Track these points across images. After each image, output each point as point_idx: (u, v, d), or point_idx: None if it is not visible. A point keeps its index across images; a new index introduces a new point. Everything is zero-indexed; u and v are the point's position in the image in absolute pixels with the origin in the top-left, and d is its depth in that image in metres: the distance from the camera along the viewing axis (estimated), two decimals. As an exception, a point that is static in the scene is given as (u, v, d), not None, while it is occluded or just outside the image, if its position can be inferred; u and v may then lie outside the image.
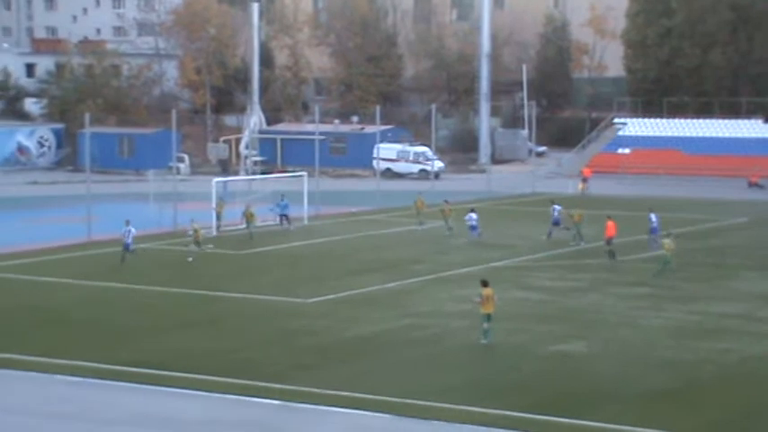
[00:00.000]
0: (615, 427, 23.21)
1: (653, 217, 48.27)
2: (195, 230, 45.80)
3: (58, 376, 27.06)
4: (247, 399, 25.23)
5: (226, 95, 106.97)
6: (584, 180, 74.13)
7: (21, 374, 27.38)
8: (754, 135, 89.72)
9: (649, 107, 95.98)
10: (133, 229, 44.34)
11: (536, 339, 31.08)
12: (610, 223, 44.94)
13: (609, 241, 44.66)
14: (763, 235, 53.35)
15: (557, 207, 50.76)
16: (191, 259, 44.62)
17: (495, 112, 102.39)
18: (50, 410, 24.59)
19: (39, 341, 30.61)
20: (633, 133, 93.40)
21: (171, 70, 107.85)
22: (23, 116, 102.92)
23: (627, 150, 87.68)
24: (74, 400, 25.45)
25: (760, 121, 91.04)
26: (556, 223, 50.44)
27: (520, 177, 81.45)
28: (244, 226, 52.10)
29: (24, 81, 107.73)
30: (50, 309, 35.40)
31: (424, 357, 29.22)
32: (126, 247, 43.80)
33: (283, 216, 54.28)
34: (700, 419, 23.97)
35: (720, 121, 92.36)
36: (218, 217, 52.93)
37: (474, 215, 50.83)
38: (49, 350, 29.29)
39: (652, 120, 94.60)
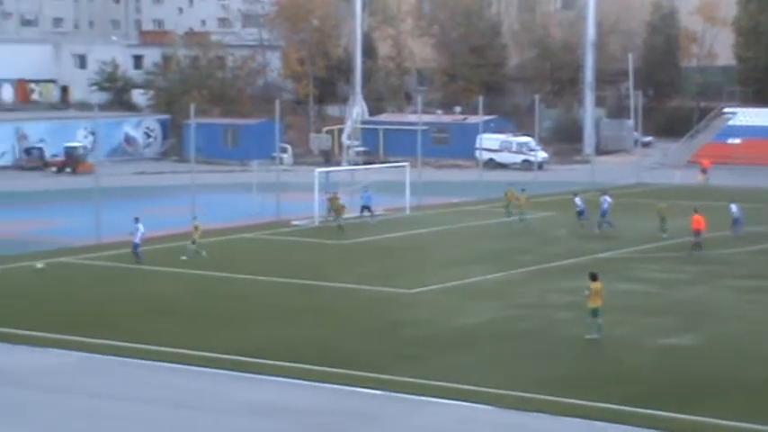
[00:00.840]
0: (718, 421, 22.77)
1: (734, 208, 48.00)
2: (196, 227, 43.56)
3: (165, 364, 27.37)
4: (349, 388, 25.24)
5: (328, 86, 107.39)
6: (704, 171, 72.98)
7: (129, 361, 27.74)
8: None
9: (761, 96, 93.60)
10: (142, 227, 42.28)
11: (641, 332, 30.61)
12: (696, 217, 43.76)
13: (697, 234, 43.43)
14: None
15: (607, 198, 50.54)
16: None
17: (599, 102, 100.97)
18: (160, 396, 24.84)
19: (145, 329, 30.99)
20: (743, 123, 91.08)
21: (274, 61, 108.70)
22: (131, 107, 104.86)
23: (737, 140, 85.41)
24: (181, 387, 25.71)
25: None
26: (603, 215, 50.13)
27: (625, 168, 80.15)
28: (331, 218, 51.77)
29: (132, 73, 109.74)
30: (156, 297, 35.86)
31: (528, 349, 28.99)
32: (135, 248, 41.86)
33: (365, 207, 53.64)
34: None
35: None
36: (332, 208, 51.69)
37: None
38: (156, 338, 29.63)
39: (763, 109, 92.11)
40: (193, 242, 43.14)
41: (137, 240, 42.10)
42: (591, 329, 29.38)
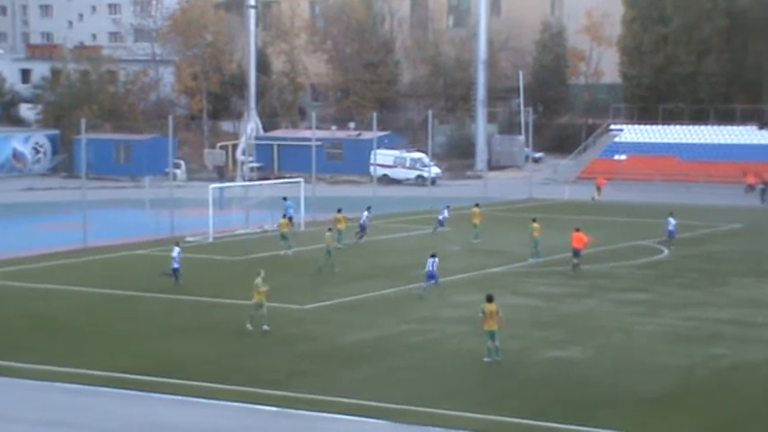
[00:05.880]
0: None
1: (672, 221, 50.50)
2: None
3: (56, 384, 27.04)
4: (244, 405, 25.17)
5: (222, 101, 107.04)
6: (599, 188, 74.45)
7: (18, 382, 27.33)
8: (748, 141, 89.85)
9: (645, 114, 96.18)
10: (177, 249, 40.48)
11: (532, 345, 31.13)
12: (576, 234, 44.53)
13: (576, 252, 44.06)
14: (757, 241, 53.45)
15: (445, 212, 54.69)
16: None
17: (491, 118, 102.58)
18: (49, 419, 24.55)
19: (35, 348, 30.57)
20: (629, 140, 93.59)
21: (167, 76, 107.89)
22: (19, 122, 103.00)
23: (623, 157, 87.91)
24: (71, 408, 25.41)
25: (754, 128, 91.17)
26: (362, 227, 52.26)
27: (516, 183, 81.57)
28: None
29: (19, 87, 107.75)
30: (47, 316, 35.35)
31: (423, 363, 29.26)
32: (176, 270, 40.23)
33: (290, 218, 53.64)
34: (692, 425, 24.05)
35: (715, 127, 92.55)
36: (284, 237, 48.60)
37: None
38: (46, 358, 29.26)
39: (648, 126, 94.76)
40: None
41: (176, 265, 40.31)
42: (488, 353, 28.98)
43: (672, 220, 50.91)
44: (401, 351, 30.60)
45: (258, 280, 33.08)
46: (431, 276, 38.79)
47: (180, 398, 25.82)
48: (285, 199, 55.50)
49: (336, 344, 31.40)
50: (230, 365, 28.79)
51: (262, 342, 31.59)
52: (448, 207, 56.86)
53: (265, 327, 32.53)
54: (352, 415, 24.47)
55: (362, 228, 52.71)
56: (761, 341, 31.97)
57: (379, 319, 34.79)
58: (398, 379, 27.68)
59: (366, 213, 53.19)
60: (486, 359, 29.01)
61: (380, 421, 24.10)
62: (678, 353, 30.30)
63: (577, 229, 44.99)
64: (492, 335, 28.99)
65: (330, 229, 46.18)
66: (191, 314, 35.79)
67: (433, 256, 39.20)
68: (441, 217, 55.56)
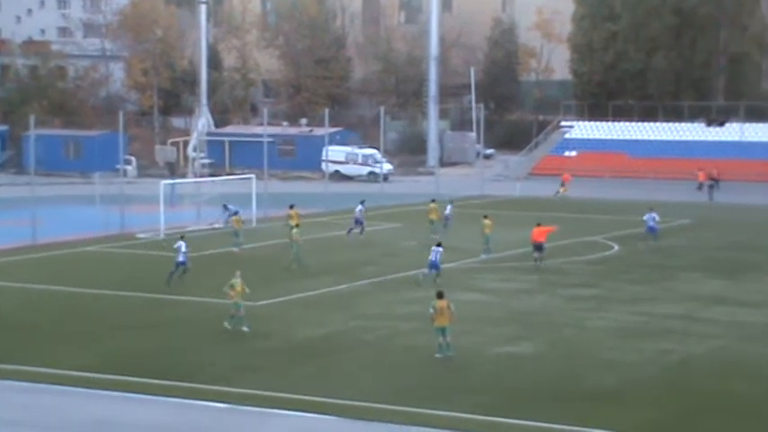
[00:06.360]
0: (558, 426, 23.39)
1: (655, 216, 50.04)
2: None
3: (3, 381, 26.74)
4: (192, 402, 25.06)
5: (173, 97, 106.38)
6: (563, 184, 74.58)
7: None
8: (696, 138, 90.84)
9: (595, 110, 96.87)
10: (183, 244, 40.12)
11: (483, 341, 31.19)
12: (537, 229, 44.63)
13: (538, 246, 44.02)
14: (705, 236, 54.05)
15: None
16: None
17: (443, 114, 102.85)
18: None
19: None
20: (579, 136, 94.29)
21: (117, 72, 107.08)
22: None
23: (573, 153, 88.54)
24: (16, 406, 25.14)
25: (702, 125, 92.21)
26: (358, 222, 51.74)
27: (468, 180, 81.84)
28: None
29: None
30: (-5, 313, 34.99)
31: (373, 359, 29.26)
32: (182, 264, 39.81)
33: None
34: (640, 419, 24.22)
35: (664, 124, 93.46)
36: (236, 233, 48.47)
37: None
38: (-6, 354, 28.95)
39: (597, 123, 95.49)
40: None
41: (181, 259, 39.85)
42: (440, 349, 28.98)
43: (653, 216, 50.26)
44: (352, 347, 30.58)
45: (235, 280, 32.78)
46: (433, 265, 39.20)
47: (128, 395, 25.66)
48: (226, 207, 54.54)
49: (287, 340, 31.30)
50: (180, 362, 28.64)
51: (213, 339, 31.43)
52: (451, 203, 55.53)
53: (245, 327, 32.15)
54: (301, 411, 24.39)
55: (357, 222, 52.25)
56: (709, 336, 32.25)
57: (330, 316, 34.74)
58: (349, 375, 27.65)
59: (360, 207, 52.68)
60: (437, 355, 29.01)
61: (331, 417, 24.06)
62: (628, 348, 30.50)
63: (538, 224, 45.23)
64: (443, 331, 28.98)
65: (297, 225, 45.99)
66: (142, 311, 35.53)
67: (438, 245, 39.81)
68: (447, 213, 53.99)
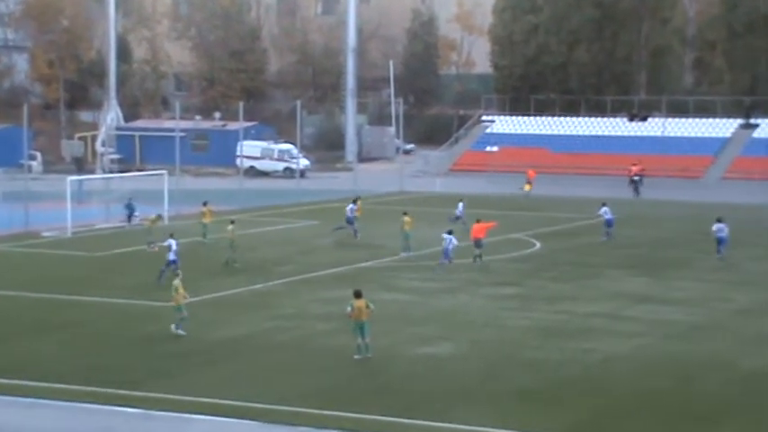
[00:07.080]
0: (476, 428, 22.86)
1: (605, 209, 50.66)
2: None
3: None
4: (102, 407, 24.10)
5: (80, 90, 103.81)
6: (529, 181, 72.74)
7: None
8: (618, 133, 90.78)
9: (516, 104, 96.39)
10: (173, 242, 38.89)
11: (403, 342, 30.45)
12: (476, 226, 44.01)
13: (477, 243, 43.55)
14: (627, 233, 53.49)
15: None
16: None
17: (361, 108, 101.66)
18: None
19: None
20: (501, 131, 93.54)
21: (21, 63, 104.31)
22: None
23: (495, 148, 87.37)
24: None
25: (624, 119, 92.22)
26: (349, 221, 50.15)
27: (387, 175, 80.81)
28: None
29: None
30: None
31: (289, 361, 28.43)
32: (172, 264, 37.98)
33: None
34: (561, 419, 23.73)
35: (586, 119, 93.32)
36: (150, 232, 46.79)
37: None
38: None
39: (519, 117, 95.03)
40: None
41: (173, 257, 38.40)
42: (359, 350, 28.30)
43: (605, 209, 50.87)
44: (268, 349, 29.71)
45: (176, 282, 31.38)
46: (446, 253, 41.26)
47: (31, 400, 24.62)
48: (129, 206, 52.87)
49: (200, 342, 30.21)
50: (87, 365, 27.52)
51: (121, 341, 30.26)
52: (462, 201, 53.86)
53: (181, 331, 30.60)
54: (216, 415, 23.69)
55: (348, 221, 50.19)
56: (631, 335, 31.73)
57: (245, 317, 33.72)
58: (265, 377, 26.82)
59: (351, 206, 50.68)
60: (356, 356, 28.34)
61: (246, 421, 23.38)
62: (550, 347, 30.00)
63: (478, 221, 44.50)
64: (362, 329, 28.23)
65: (233, 222, 44.37)
66: (45, 312, 34.09)
67: (449, 232, 41.84)
68: (458, 212, 52.35)
